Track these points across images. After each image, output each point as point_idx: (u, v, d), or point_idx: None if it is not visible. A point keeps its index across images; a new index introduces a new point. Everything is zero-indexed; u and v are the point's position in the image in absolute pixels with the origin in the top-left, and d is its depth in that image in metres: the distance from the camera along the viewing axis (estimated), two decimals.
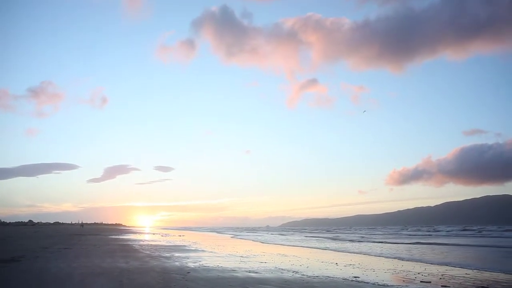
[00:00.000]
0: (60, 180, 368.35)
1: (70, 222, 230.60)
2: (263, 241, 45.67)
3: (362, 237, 56.33)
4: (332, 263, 19.63)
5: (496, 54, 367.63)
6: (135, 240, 43.19)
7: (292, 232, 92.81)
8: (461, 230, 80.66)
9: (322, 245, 36.24)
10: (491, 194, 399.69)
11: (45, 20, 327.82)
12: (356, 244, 37.78)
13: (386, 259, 22.35)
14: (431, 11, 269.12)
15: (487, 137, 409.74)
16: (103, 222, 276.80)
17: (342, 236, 61.96)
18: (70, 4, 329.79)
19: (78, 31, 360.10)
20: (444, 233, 69.25)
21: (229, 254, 24.74)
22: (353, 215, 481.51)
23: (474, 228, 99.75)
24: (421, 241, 41.01)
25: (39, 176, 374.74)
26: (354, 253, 27.00)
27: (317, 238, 52.42)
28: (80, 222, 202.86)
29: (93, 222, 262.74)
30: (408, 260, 21.54)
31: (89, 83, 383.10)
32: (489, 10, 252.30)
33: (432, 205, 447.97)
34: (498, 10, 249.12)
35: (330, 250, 30.51)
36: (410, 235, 64.82)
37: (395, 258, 22.82)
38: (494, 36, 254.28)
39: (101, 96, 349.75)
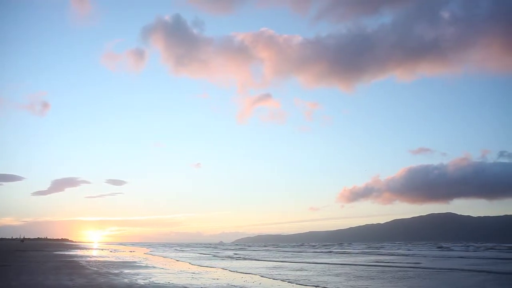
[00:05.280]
0: (1, 193, 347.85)
1: (11, 237, 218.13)
2: (166, 257, 45.53)
3: (237, 254, 56.45)
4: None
5: (441, 76, 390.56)
6: (82, 256, 41.27)
7: (191, 249, 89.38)
8: (379, 248, 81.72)
9: (197, 262, 35.17)
10: (436, 212, 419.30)
11: None
12: (224, 262, 36.83)
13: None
14: (381, 32, 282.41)
15: (433, 156, 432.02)
16: (48, 237, 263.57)
17: (224, 252, 61.07)
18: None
19: (15, 30, 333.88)
20: (356, 250, 70.27)
21: (181, 271, 24.19)
22: (306, 231, 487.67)
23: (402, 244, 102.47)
24: (291, 260, 38.64)
25: None
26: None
27: (211, 256, 49.38)
28: (21, 237, 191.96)
29: (36, 237, 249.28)
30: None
31: (28, 87, 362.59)
32: (434, 34, 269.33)
33: (382, 222, 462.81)
34: (442, 34, 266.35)
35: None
36: (323, 252, 64.83)
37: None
38: (438, 58, 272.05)
39: (42, 102, 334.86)
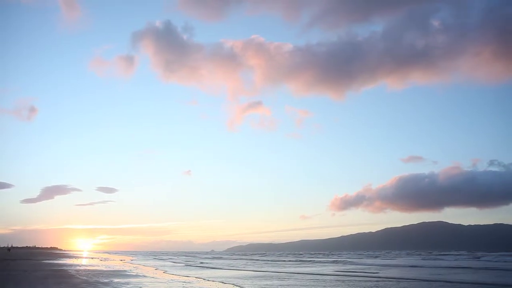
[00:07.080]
0: None
1: None
2: (145, 265, 45.16)
3: (211, 263, 55.71)
4: None
5: (432, 84, 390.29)
6: (71, 265, 40.65)
7: (168, 258, 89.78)
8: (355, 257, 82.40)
9: (172, 271, 34.23)
10: (427, 221, 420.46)
11: None
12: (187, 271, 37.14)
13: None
14: (372, 40, 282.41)
15: (424, 164, 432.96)
16: (36, 246, 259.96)
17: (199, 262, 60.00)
18: None
19: (2, 33, 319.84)
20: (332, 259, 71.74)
21: (171, 280, 23.91)
22: (298, 240, 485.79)
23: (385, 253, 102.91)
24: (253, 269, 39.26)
25: None
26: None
27: (183, 265, 48.17)
28: (8, 246, 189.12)
29: (24, 246, 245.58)
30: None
31: (14, 92, 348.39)
32: (424, 42, 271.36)
33: (374, 231, 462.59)
34: (432, 42, 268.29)
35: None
36: (290, 260, 65.65)
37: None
38: (429, 66, 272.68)
39: (29, 107, 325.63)
